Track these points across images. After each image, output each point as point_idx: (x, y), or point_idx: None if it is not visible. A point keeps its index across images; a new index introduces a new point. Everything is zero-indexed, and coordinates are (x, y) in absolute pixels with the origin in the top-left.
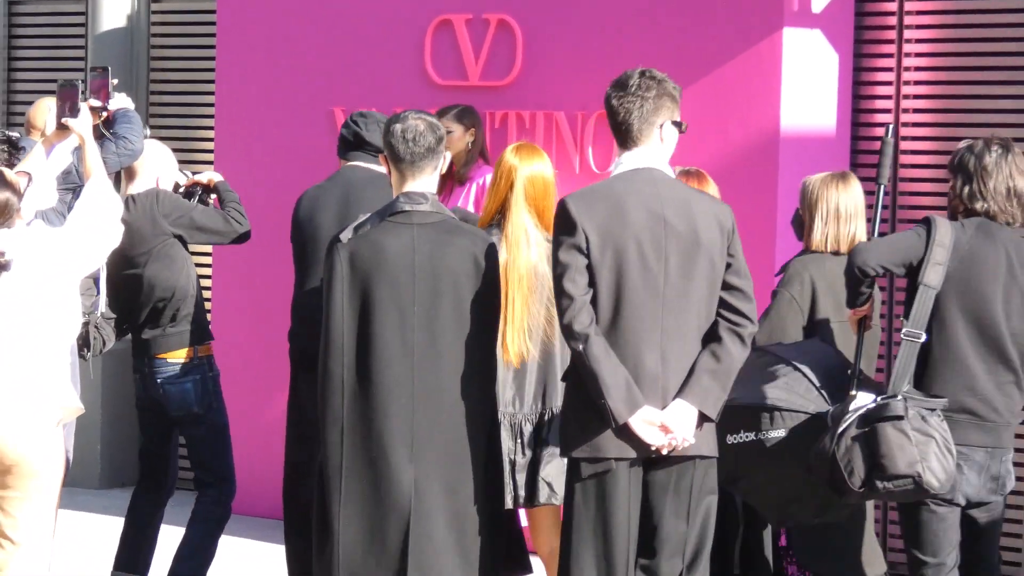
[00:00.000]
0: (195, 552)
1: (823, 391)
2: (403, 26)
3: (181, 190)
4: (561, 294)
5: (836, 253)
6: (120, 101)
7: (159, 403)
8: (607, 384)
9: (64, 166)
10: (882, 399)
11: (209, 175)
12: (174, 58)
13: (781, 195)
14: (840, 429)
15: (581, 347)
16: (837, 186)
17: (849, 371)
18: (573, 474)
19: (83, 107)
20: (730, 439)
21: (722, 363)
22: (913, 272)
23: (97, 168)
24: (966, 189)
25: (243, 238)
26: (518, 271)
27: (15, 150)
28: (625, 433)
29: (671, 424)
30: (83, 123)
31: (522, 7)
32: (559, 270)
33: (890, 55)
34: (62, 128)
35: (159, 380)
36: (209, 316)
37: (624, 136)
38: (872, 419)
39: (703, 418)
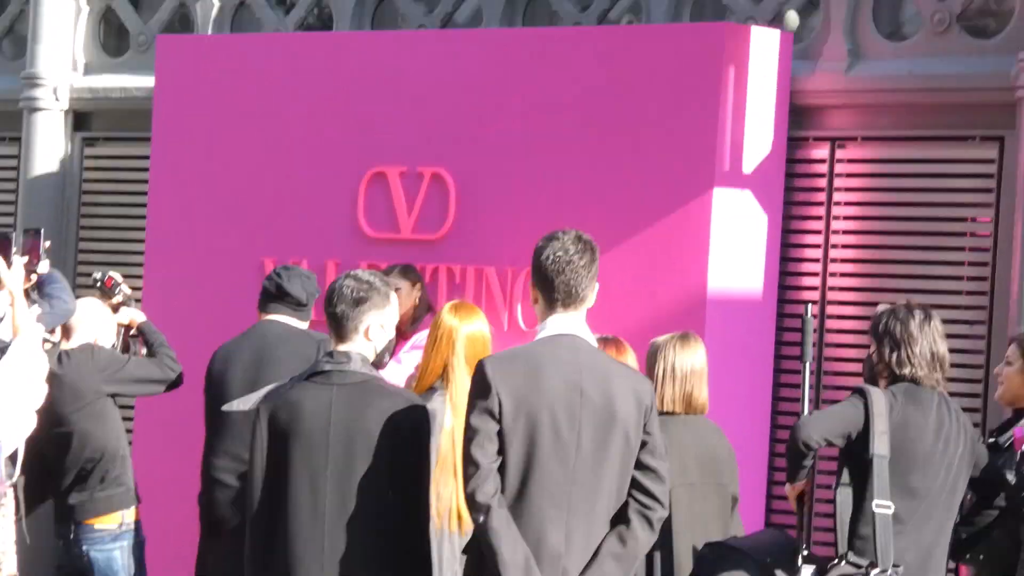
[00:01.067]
0: None
1: (776, 569)
2: (337, 177)
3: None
4: (468, 461)
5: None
6: (46, 265)
7: (82, 572)
8: (505, 561)
9: None
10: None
11: (131, 314)
12: (106, 203)
13: (709, 356)
14: None
15: (482, 519)
16: (676, 346)
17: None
18: None
19: (16, 260)
20: None
21: (627, 547)
22: (853, 442)
23: (25, 326)
24: (894, 356)
25: (176, 384)
26: None
27: None
28: None
29: None
30: (15, 278)
31: (457, 161)
32: (469, 434)
33: (819, 217)
34: (27, 274)
35: (84, 547)
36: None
37: (567, 297)
38: None
39: None
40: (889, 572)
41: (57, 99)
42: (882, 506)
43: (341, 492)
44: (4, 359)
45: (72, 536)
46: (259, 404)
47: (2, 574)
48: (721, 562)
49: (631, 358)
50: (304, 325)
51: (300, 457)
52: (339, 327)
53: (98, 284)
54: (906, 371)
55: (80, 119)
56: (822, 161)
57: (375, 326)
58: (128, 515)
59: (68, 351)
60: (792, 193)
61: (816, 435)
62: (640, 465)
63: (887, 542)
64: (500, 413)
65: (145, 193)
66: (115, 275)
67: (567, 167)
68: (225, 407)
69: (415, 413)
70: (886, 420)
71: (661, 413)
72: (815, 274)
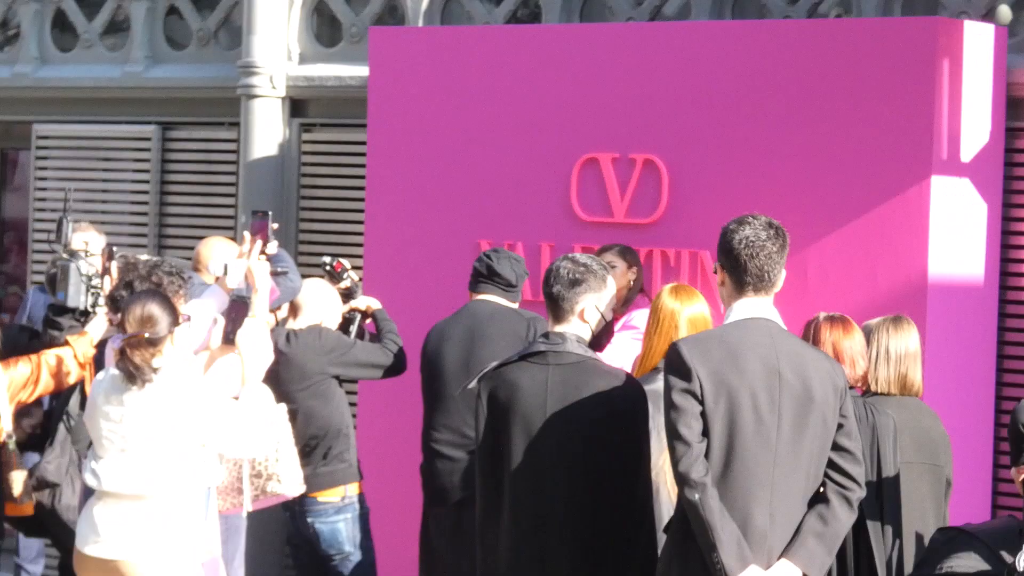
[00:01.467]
0: None
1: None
2: (550, 163)
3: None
4: (677, 438)
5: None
6: (274, 246)
7: (310, 541)
8: (721, 538)
9: (216, 312)
10: None
11: (368, 301)
12: (324, 187)
13: (930, 342)
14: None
15: (697, 496)
16: (889, 329)
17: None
18: None
19: (275, 245)
20: None
21: (829, 526)
22: None
23: (262, 312)
24: None
25: (398, 370)
26: None
27: (183, 281)
28: None
29: None
30: (263, 269)
31: (668, 148)
32: (673, 414)
33: None
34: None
35: (309, 519)
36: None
37: (757, 281)
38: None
39: None
40: None
41: (274, 87)
42: None
43: (567, 471)
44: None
45: (298, 508)
46: (479, 383)
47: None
48: (952, 545)
49: (858, 337)
50: (514, 305)
51: (520, 436)
52: (556, 308)
53: (327, 268)
54: None
55: (297, 106)
56: None
57: (590, 308)
58: (351, 489)
59: (296, 331)
60: (1011, 182)
61: None
62: (837, 447)
63: None
64: (701, 394)
65: (362, 177)
66: (344, 261)
67: (780, 156)
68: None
69: (632, 391)
70: None
71: (875, 394)
72: None
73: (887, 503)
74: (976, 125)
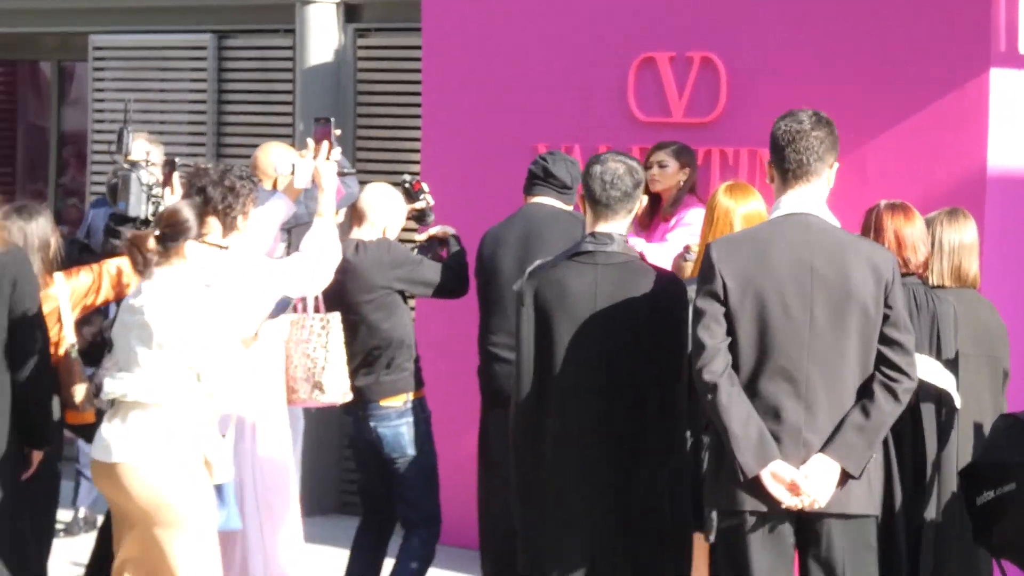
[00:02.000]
0: None
1: None
2: (606, 64)
3: (418, 242)
4: (695, 342)
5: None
6: (337, 153)
7: (373, 445)
8: (736, 436)
9: (282, 218)
10: None
11: (443, 229)
12: (380, 92)
13: (988, 236)
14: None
15: (709, 397)
16: (944, 221)
17: None
18: (714, 527)
19: (338, 152)
20: (978, 500)
21: (871, 419)
22: None
23: (329, 212)
24: None
25: (458, 293)
26: None
27: (253, 185)
28: (756, 487)
29: (802, 481)
30: (331, 170)
31: (726, 45)
32: (695, 317)
33: None
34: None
35: (372, 424)
36: None
37: (798, 170)
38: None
39: (845, 475)
40: None
41: None
42: None
43: (611, 367)
44: (307, 235)
45: (361, 413)
46: (523, 282)
47: (330, 391)
48: (1013, 431)
49: (919, 223)
50: (569, 207)
51: (567, 333)
52: (607, 209)
53: (406, 186)
54: None
55: (351, 11)
56: None
57: (633, 211)
58: (412, 395)
59: (366, 243)
60: None
61: None
62: (884, 338)
63: None
64: (725, 294)
65: (418, 82)
66: (423, 183)
67: (837, 51)
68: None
69: (673, 289)
70: None
71: (933, 287)
72: None
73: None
74: None
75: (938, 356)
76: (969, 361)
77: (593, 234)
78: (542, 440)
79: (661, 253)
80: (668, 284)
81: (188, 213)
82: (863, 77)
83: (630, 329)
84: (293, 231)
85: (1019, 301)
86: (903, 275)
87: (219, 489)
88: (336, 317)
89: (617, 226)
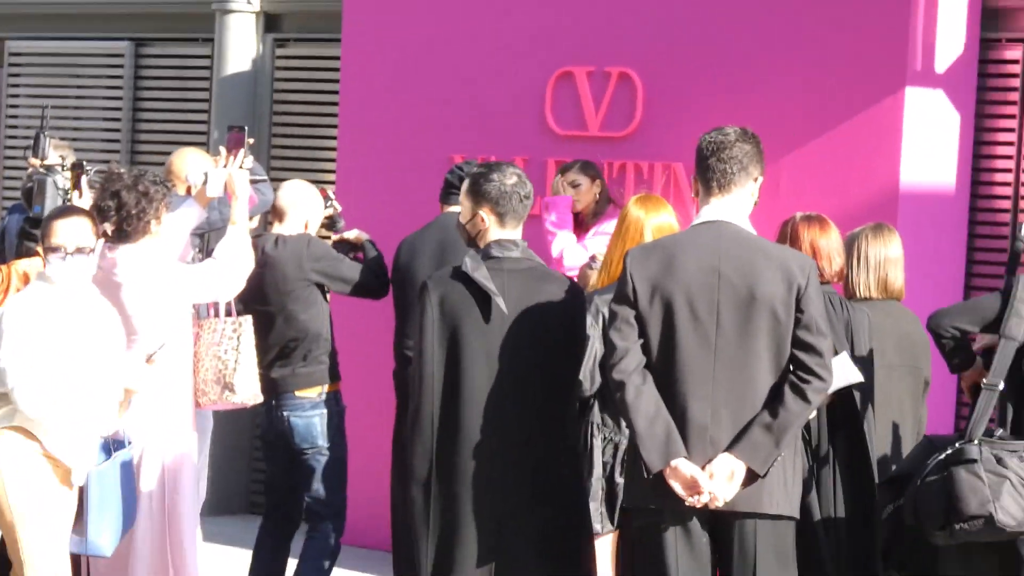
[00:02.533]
0: None
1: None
2: (524, 77)
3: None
4: (607, 343)
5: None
6: (250, 161)
7: (284, 436)
8: (641, 433)
9: (193, 224)
10: (959, 445)
11: (357, 233)
12: (297, 102)
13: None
14: (921, 475)
15: (619, 395)
16: (869, 236)
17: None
18: (625, 524)
19: (251, 160)
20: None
21: (778, 419)
22: (989, 327)
23: (243, 220)
24: None
25: (377, 294)
26: None
27: (167, 190)
28: (660, 484)
29: (702, 478)
30: (243, 178)
31: (643, 61)
32: (608, 320)
33: (1012, 116)
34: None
35: (285, 413)
36: None
37: (719, 183)
38: (948, 464)
39: (752, 475)
40: (975, 442)
41: (248, 2)
42: (991, 384)
43: (514, 372)
44: (222, 242)
45: (274, 402)
46: (427, 288)
47: (241, 393)
48: (920, 448)
49: (834, 235)
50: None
51: (475, 338)
52: (508, 215)
53: None
54: None
55: (271, 21)
56: (1015, 62)
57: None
58: (327, 388)
59: (285, 237)
60: (985, 93)
61: (946, 322)
62: (796, 341)
63: (981, 416)
64: (635, 298)
65: (336, 92)
66: (328, 190)
67: (754, 69)
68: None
69: (573, 293)
70: None
71: (859, 299)
72: (1008, 170)
73: (864, 395)
74: (951, 35)
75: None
76: (893, 371)
77: (497, 241)
78: (448, 439)
79: (578, 255)
80: (571, 290)
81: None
82: (778, 94)
83: (535, 332)
84: (208, 236)
85: (931, 311)
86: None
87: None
88: (248, 320)
89: (516, 233)
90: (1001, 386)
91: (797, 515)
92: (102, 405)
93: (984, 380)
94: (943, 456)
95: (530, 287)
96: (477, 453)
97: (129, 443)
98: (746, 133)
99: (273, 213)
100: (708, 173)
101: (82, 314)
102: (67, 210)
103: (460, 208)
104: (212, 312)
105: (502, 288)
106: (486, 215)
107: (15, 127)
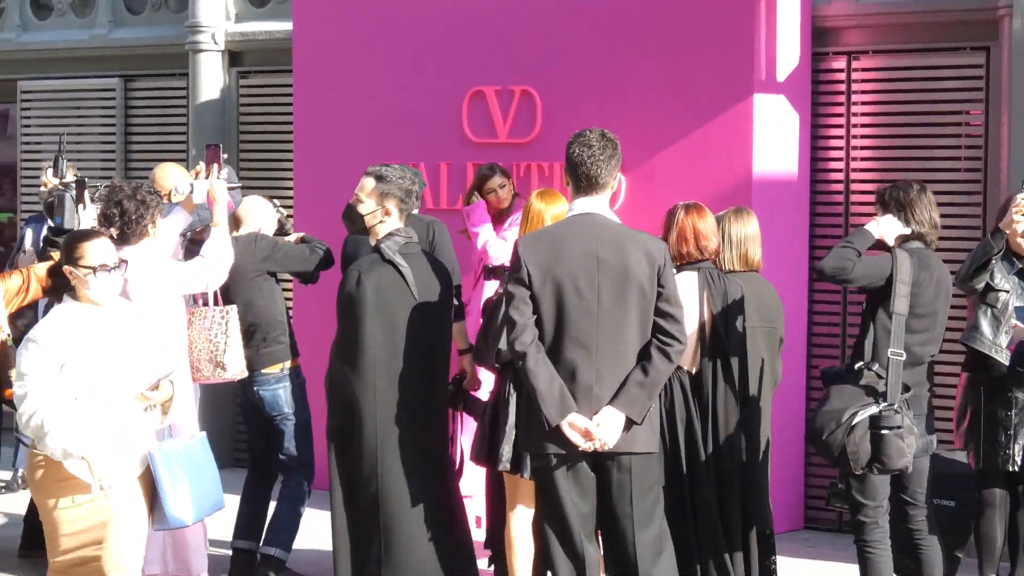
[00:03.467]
0: (286, 525)
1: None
2: (444, 96)
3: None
4: (506, 320)
5: (732, 271)
6: (226, 172)
7: (257, 406)
8: (542, 393)
9: (181, 228)
10: (884, 408)
11: (303, 236)
12: (259, 123)
13: None
14: (852, 423)
15: (520, 363)
16: (731, 218)
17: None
18: (527, 468)
19: (227, 170)
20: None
21: (649, 376)
22: (872, 290)
23: (223, 222)
24: (901, 217)
25: (326, 265)
26: None
27: (160, 199)
28: (557, 434)
29: (593, 428)
30: (222, 187)
31: (541, 80)
32: (506, 300)
33: (840, 115)
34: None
35: (255, 388)
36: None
37: (588, 183)
38: (877, 425)
39: (630, 422)
40: (896, 407)
41: (216, 42)
42: (896, 354)
43: (418, 342)
44: (208, 242)
45: (247, 379)
46: (359, 271)
47: (231, 369)
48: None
49: (710, 219)
50: (415, 211)
51: (386, 318)
52: (408, 210)
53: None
54: (912, 228)
55: (235, 57)
56: (841, 71)
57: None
58: (288, 364)
59: (237, 237)
60: (818, 97)
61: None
62: (658, 311)
63: (895, 384)
64: (529, 281)
65: (291, 114)
66: (275, 200)
67: (630, 79)
68: None
69: (450, 273)
70: (907, 286)
71: (725, 272)
72: (840, 159)
73: (732, 351)
74: (788, 51)
75: (727, 326)
76: (756, 332)
77: (398, 231)
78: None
79: (502, 248)
80: (448, 271)
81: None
82: (651, 103)
83: (434, 310)
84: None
85: (779, 280)
86: (699, 261)
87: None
88: (234, 309)
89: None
90: (903, 356)
91: (657, 450)
92: (136, 431)
93: (890, 351)
94: (871, 414)
95: (427, 267)
96: (377, 397)
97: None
98: (607, 140)
99: (232, 222)
100: (579, 180)
101: (120, 329)
102: (91, 233)
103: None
104: (200, 302)
105: (412, 269)
106: (393, 208)
107: (29, 152)
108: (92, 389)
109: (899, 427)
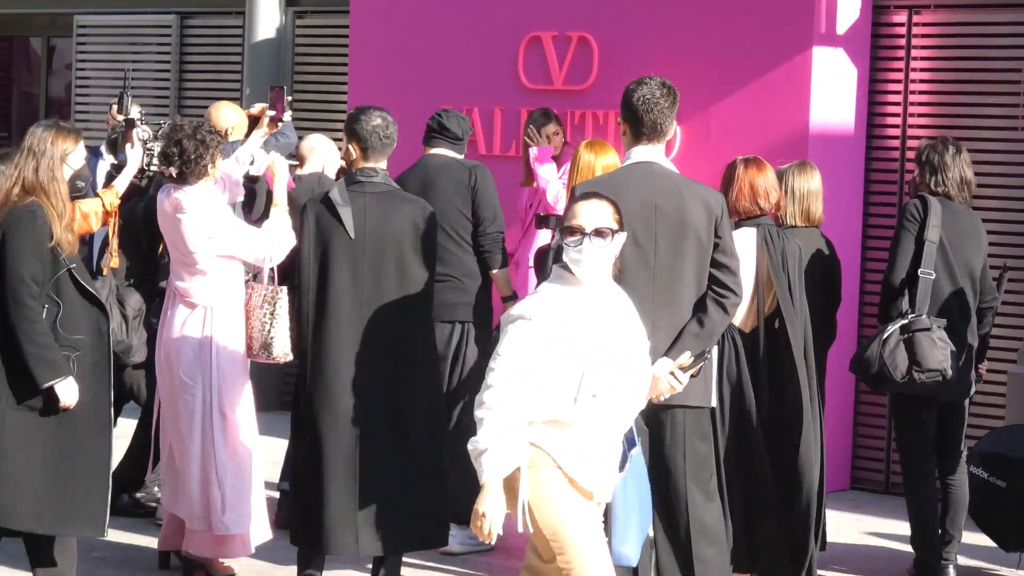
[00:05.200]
0: None
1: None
2: (500, 41)
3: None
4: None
5: (793, 226)
6: (289, 116)
7: None
8: None
9: (249, 164)
10: (913, 316)
11: None
12: (314, 63)
13: None
14: (884, 336)
15: None
16: (795, 172)
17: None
18: None
19: (288, 115)
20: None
21: (705, 327)
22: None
23: (283, 202)
24: (932, 179)
25: None
26: None
27: (220, 138)
28: None
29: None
30: (283, 165)
31: (599, 27)
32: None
33: (899, 69)
34: (272, 123)
35: None
36: None
37: (650, 132)
38: (908, 329)
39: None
40: (924, 315)
41: None
42: (926, 272)
43: (375, 277)
44: (269, 221)
45: None
46: (307, 204)
47: (275, 351)
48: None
49: (770, 174)
50: (460, 156)
51: (342, 250)
52: (371, 150)
53: None
54: (940, 190)
55: None
56: (901, 24)
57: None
58: None
59: (300, 176)
60: (877, 51)
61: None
62: (715, 263)
63: (924, 297)
64: None
65: (346, 55)
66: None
67: (688, 29)
68: None
69: (431, 216)
70: (939, 218)
71: (786, 227)
72: (897, 114)
73: (788, 310)
74: (849, 3)
75: (788, 284)
76: (815, 289)
77: (362, 169)
78: (317, 333)
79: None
80: (424, 210)
81: None
82: (710, 54)
83: (394, 246)
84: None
85: (833, 236)
86: (758, 217)
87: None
88: (283, 290)
89: (379, 164)
90: (933, 275)
91: (712, 404)
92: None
93: (920, 270)
94: (901, 322)
95: (389, 205)
96: (338, 339)
97: (637, 439)
98: (668, 89)
99: (298, 159)
100: (641, 127)
101: (608, 312)
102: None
103: (439, 150)
104: (257, 277)
105: (363, 207)
106: (353, 148)
107: (84, 86)
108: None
109: (928, 328)
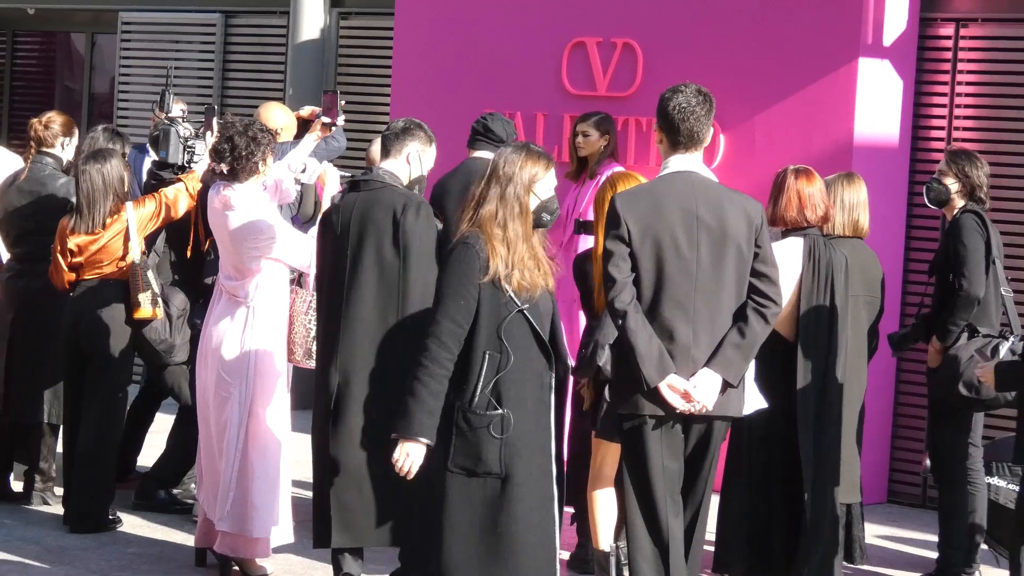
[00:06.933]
0: None
1: None
2: (545, 46)
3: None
4: (607, 277)
5: (841, 236)
6: (342, 120)
7: None
8: (642, 354)
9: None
10: (1015, 337)
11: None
12: (358, 65)
13: None
14: (999, 356)
15: (620, 321)
16: (844, 183)
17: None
18: (618, 428)
19: (341, 119)
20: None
21: (746, 338)
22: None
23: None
24: (960, 185)
25: None
26: None
27: (271, 137)
28: (655, 395)
29: (692, 390)
30: (334, 174)
31: (644, 34)
32: (606, 257)
33: (945, 83)
34: (325, 128)
35: None
36: None
37: (687, 141)
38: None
39: (726, 385)
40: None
41: None
42: (1007, 291)
43: (356, 267)
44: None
45: None
46: (330, 207)
47: (312, 361)
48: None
49: (818, 184)
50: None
51: (333, 246)
52: (383, 147)
53: None
54: (982, 207)
55: None
56: (948, 38)
57: (414, 154)
58: None
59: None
60: (923, 64)
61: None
62: (755, 272)
63: (1014, 315)
64: (629, 238)
65: (390, 58)
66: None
67: (734, 37)
68: None
69: (409, 207)
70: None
71: (833, 236)
72: (941, 128)
73: (831, 323)
74: (896, 15)
75: (830, 296)
76: (859, 301)
77: (369, 169)
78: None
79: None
80: (406, 202)
81: None
82: (754, 63)
83: (377, 231)
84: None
85: (876, 247)
86: (805, 228)
87: None
88: None
89: (392, 165)
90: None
91: (745, 414)
92: None
93: (1002, 289)
94: (1010, 346)
95: (375, 199)
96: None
97: None
98: (704, 96)
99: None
100: (678, 136)
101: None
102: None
103: (483, 153)
104: (301, 284)
105: (353, 202)
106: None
107: (127, 83)
108: None
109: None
